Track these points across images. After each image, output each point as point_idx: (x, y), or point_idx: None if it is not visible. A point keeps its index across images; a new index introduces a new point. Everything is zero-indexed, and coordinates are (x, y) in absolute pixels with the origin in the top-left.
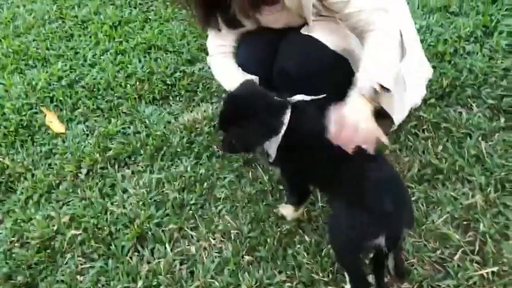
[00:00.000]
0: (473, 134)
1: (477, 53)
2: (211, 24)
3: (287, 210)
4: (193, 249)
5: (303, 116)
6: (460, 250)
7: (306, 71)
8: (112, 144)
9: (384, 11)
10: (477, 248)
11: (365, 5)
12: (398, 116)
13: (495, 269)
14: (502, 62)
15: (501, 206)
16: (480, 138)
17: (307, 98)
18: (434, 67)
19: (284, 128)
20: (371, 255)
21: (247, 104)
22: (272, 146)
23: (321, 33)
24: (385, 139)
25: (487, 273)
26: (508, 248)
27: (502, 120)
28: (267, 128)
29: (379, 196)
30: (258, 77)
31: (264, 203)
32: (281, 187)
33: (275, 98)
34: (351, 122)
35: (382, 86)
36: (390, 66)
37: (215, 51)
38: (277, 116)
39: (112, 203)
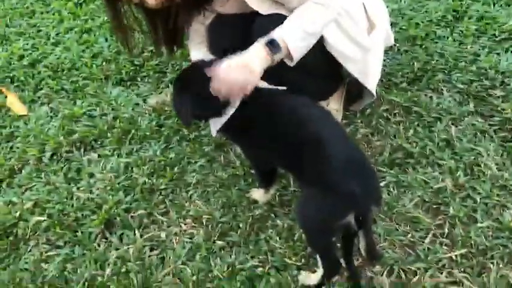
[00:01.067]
0: (443, 118)
1: (448, 38)
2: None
3: (258, 194)
4: (163, 235)
5: (257, 95)
6: (430, 233)
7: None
8: (77, 127)
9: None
10: (446, 231)
11: None
12: (373, 89)
13: (463, 251)
14: (471, 47)
15: (470, 189)
16: (450, 123)
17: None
18: (406, 51)
19: (233, 108)
20: (341, 236)
21: (189, 77)
22: (217, 122)
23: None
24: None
25: (456, 255)
26: (476, 231)
27: (471, 104)
28: (198, 100)
29: (344, 175)
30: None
31: (236, 188)
32: (253, 171)
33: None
34: (227, 64)
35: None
36: (304, 31)
37: (195, 42)
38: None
39: (78, 188)
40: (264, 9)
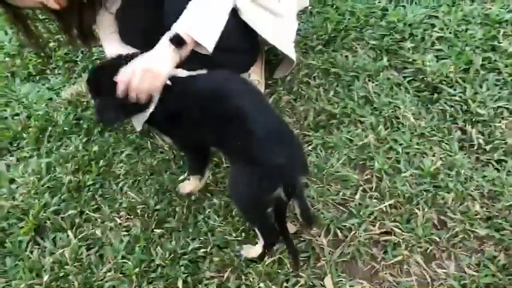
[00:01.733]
0: (360, 76)
1: None
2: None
3: (192, 185)
4: (98, 232)
5: (175, 85)
6: (360, 189)
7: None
8: None
9: None
10: (374, 185)
11: None
12: (292, 54)
13: (392, 201)
14: (379, 2)
15: (391, 142)
16: (367, 79)
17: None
18: (318, 13)
19: (154, 104)
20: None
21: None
22: (139, 118)
23: None
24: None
25: (385, 206)
26: (400, 181)
27: (385, 59)
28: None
29: (268, 148)
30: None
31: (168, 173)
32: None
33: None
34: (131, 69)
35: (195, 41)
36: (209, 16)
37: (108, 31)
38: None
39: (0, 196)
40: None
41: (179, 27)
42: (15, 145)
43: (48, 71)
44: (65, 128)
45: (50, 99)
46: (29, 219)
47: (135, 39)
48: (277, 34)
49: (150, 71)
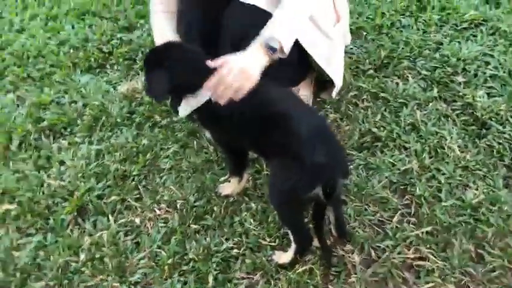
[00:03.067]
0: (408, 104)
1: (412, 27)
2: None
3: (231, 187)
4: (137, 220)
5: None
6: (398, 213)
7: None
8: (46, 114)
9: None
10: (413, 210)
11: None
12: (339, 81)
13: (429, 228)
14: (434, 36)
15: (434, 170)
16: (415, 108)
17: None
18: (373, 39)
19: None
20: (311, 211)
21: (163, 54)
22: (187, 105)
23: None
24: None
25: (422, 232)
26: (440, 209)
27: (435, 90)
28: (171, 75)
29: (311, 147)
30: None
31: (210, 173)
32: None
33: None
34: (228, 65)
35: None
36: (295, 25)
37: (157, 8)
38: (189, 70)
39: (49, 176)
40: None
41: (274, 34)
42: (69, 130)
43: (107, 66)
44: (118, 120)
45: (107, 91)
46: (73, 200)
47: (190, 35)
48: (327, 56)
49: (245, 72)
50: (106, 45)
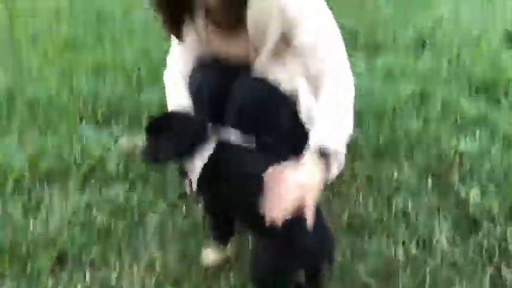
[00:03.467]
0: (401, 191)
1: (413, 117)
2: (177, 29)
3: (209, 256)
4: (114, 276)
5: (229, 153)
6: None
7: (261, 121)
8: (44, 161)
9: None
10: None
11: (328, 56)
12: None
13: None
14: (434, 129)
15: (421, 262)
16: (408, 197)
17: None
18: (373, 125)
19: (202, 158)
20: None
21: (168, 120)
22: (194, 177)
23: (274, 71)
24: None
25: None
26: None
27: (430, 182)
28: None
29: (304, 229)
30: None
31: (195, 238)
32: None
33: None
34: (285, 187)
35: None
36: (343, 127)
37: (174, 67)
38: (189, 136)
39: (35, 219)
40: (264, 59)
41: (328, 143)
42: (64, 178)
43: (112, 120)
44: (113, 174)
45: (108, 145)
46: (54, 248)
47: (200, 99)
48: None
49: (303, 189)
50: (115, 101)
